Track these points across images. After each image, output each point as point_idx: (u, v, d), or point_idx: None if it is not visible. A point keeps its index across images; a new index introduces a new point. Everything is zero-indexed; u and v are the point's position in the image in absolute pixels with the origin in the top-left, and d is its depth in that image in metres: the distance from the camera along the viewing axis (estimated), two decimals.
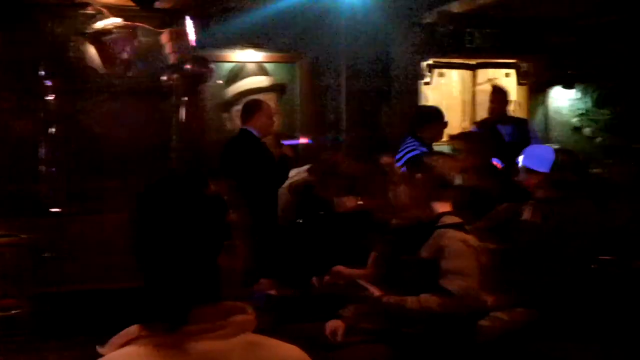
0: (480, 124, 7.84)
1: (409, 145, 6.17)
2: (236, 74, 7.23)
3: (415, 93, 7.56)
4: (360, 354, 3.36)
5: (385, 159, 5.81)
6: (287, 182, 6.78)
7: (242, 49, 7.17)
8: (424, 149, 5.96)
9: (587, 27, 7.69)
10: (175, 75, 6.56)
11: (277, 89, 7.34)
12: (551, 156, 4.54)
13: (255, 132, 6.05)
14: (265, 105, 6.22)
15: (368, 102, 7.45)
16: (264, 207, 5.58)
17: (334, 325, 3.50)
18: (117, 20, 6.47)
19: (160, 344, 1.44)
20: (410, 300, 3.33)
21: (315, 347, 3.12)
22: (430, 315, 3.29)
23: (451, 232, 3.44)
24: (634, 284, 4.25)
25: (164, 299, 1.46)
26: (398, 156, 6.10)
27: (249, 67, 7.27)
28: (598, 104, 8.37)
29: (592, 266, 4.26)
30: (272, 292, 4.55)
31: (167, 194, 1.51)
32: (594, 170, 7.38)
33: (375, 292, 3.47)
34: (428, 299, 3.31)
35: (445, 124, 6.69)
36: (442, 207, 3.60)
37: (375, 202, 4.44)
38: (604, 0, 6.74)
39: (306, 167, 6.34)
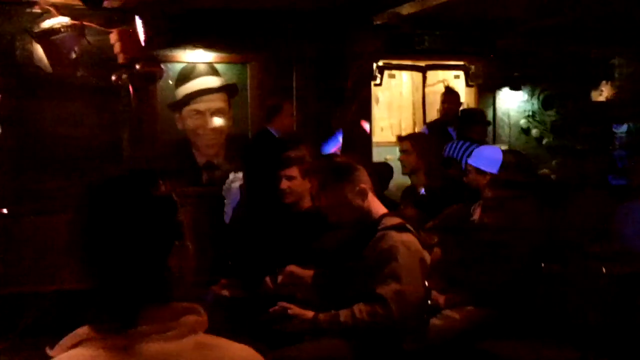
0: (431, 125, 7.94)
1: (462, 146, 6.19)
2: (187, 75, 7.19)
3: (367, 94, 7.59)
4: (317, 350, 3.34)
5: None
6: (238, 182, 6.77)
7: (192, 49, 7.13)
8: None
9: (533, 29, 7.82)
10: (124, 75, 6.49)
11: (228, 89, 7.32)
12: (499, 157, 4.61)
13: (274, 132, 6.40)
14: (286, 107, 6.58)
15: (320, 103, 7.46)
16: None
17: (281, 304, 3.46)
18: (65, 20, 6.38)
19: (110, 346, 1.43)
20: (343, 314, 3.27)
21: (270, 344, 3.14)
22: (364, 328, 3.25)
23: (390, 234, 3.36)
24: (583, 283, 4.32)
25: (113, 300, 1.45)
26: (457, 156, 6.11)
27: (199, 67, 7.23)
28: (544, 105, 8.52)
29: (542, 265, 4.31)
30: (224, 292, 4.52)
31: (114, 193, 1.49)
32: (542, 171, 7.53)
33: (308, 315, 3.39)
34: (361, 310, 3.24)
35: (489, 123, 7.07)
36: (381, 208, 3.56)
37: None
38: (550, 3, 6.85)
39: None
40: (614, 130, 8.25)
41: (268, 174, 5.54)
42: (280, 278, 4.03)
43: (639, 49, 8.23)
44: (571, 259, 4.49)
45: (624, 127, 8.25)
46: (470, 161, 4.70)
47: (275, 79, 7.40)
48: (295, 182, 4.48)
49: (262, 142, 6.33)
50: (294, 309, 3.38)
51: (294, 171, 4.48)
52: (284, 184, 4.48)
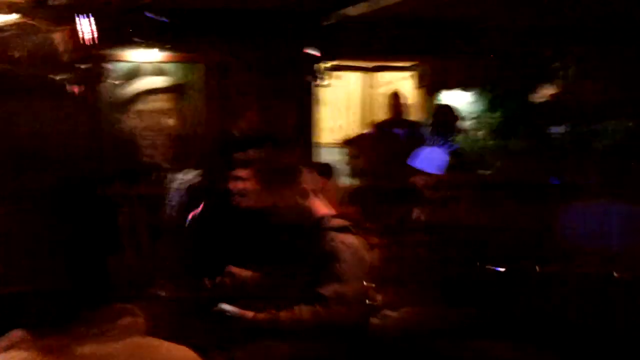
0: (377, 127, 7.99)
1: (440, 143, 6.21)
2: (133, 74, 7.12)
3: (312, 94, 7.62)
4: (258, 351, 3.34)
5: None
6: (186, 184, 6.73)
7: (139, 48, 7.06)
8: (457, 146, 6.18)
9: (482, 30, 7.90)
10: (70, 74, 6.42)
11: (175, 89, 7.27)
12: (443, 158, 4.67)
13: (236, 132, 6.23)
14: (251, 107, 6.45)
15: (268, 104, 7.45)
16: None
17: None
18: (10, 17, 6.29)
19: (45, 348, 1.42)
20: (284, 314, 3.28)
21: (211, 346, 3.14)
22: (305, 327, 3.27)
23: (332, 235, 3.37)
24: (524, 283, 4.39)
25: (50, 301, 1.45)
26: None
27: (146, 66, 7.16)
28: (490, 107, 8.63)
29: (478, 264, 4.38)
30: (163, 293, 4.49)
31: (54, 195, 1.49)
32: (485, 171, 7.63)
33: (248, 315, 3.39)
34: (302, 310, 3.25)
35: (457, 118, 7.30)
36: (323, 209, 3.56)
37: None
38: (500, 4, 6.93)
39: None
40: (552, 131, 8.37)
41: (223, 174, 5.55)
42: (219, 279, 4.02)
43: (585, 50, 8.34)
44: (514, 259, 4.57)
45: (561, 128, 8.37)
46: (413, 163, 4.76)
47: (224, 79, 7.38)
48: (244, 183, 4.48)
49: (223, 142, 6.27)
50: (234, 310, 3.38)
51: (244, 172, 4.48)
52: (234, 184, 4.48)
